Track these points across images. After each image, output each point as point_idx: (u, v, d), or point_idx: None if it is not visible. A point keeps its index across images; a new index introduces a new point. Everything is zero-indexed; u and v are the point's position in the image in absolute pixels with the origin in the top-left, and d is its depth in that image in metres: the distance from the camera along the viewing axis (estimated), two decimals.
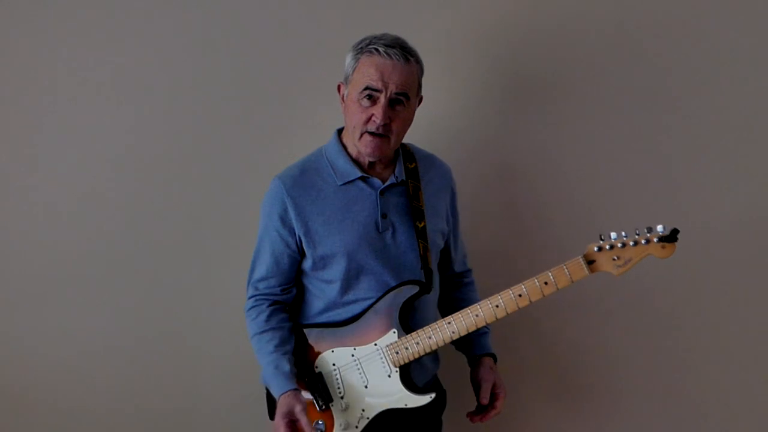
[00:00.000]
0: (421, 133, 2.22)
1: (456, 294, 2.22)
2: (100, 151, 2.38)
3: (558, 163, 2.45)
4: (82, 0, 2.32)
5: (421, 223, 2.05)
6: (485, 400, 2.04)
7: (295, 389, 1.95)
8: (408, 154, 2.12)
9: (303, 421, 1.90)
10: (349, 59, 2.00)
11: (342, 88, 2.04)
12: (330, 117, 2.18)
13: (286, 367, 1.97)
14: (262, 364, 2.02)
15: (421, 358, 2.01)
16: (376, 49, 1.94)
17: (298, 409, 1.90)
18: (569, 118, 2.44)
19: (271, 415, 2.05)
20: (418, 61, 2.01)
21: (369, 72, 1.93)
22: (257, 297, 2.09)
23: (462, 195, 2.23)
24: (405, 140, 2.15)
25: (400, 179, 2.06)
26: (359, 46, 1.98)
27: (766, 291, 2.51)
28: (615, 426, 2.56)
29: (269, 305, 2.07)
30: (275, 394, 1.97)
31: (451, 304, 2.18)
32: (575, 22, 2.42)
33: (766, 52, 2.45)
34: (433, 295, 2.10)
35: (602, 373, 2.53)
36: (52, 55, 2.34)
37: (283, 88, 2.38)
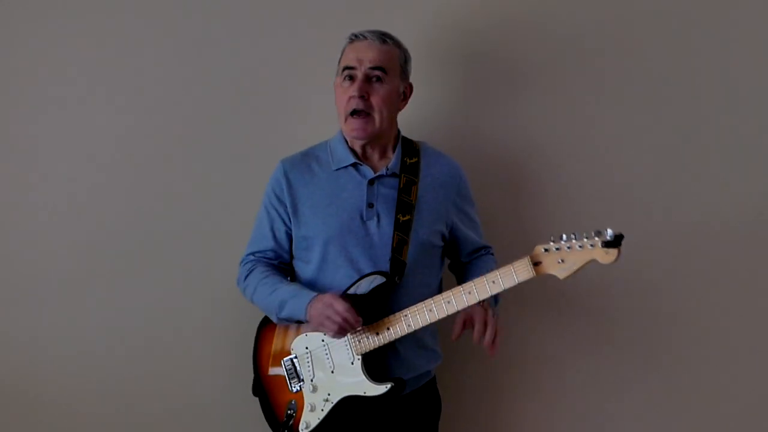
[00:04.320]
0: (420, 128, 2.26)
1: (468, 266, 2.21)
2: (99, 150, 2.42)
3: (559, 159, 2.44)
4: (79, 1, 2.40)
5: (404, 217, 2.07)
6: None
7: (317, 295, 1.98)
8: (412, 149, 2.16)
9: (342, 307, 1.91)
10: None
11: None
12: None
13: (303, 288, 2.04)
14: (275, 301, 2.04)
15: (399, 351, 2.04)
16: (355, 36, 2.08)
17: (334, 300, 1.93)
18: (571, 114, 2.43)
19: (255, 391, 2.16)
20: (399, 47, 2.09)
21: (347, 55, 2.07)
22: (254, 261, 2.18)
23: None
24: (418, 138, 2.20)
25: (392, 172, 2.10)
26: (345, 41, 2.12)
27: (765, 291, 2.45)
28: (614, 424, 2.51)
29: (263, 263, 2.17)
30: (302, 307, 1.97)
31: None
32: (575, 18, 2.39)
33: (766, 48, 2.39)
34: (418, 288, 2.09)
35: (601, 373, 2.49)
36: (50, 55, 2.40)
37: (286, 85, 2.43)
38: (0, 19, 2.39)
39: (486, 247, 2.24)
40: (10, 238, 2.43)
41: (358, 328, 1.97)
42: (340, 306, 1.92)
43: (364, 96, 2.03)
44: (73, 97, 2.42)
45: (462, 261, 2.22)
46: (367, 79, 2.03)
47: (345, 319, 1.91)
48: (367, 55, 2.03)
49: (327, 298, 1.95)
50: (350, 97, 2.04)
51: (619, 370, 2.47)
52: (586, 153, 2.42)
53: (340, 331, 1.94)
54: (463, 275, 2.20)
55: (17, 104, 2.41)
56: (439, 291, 2.17)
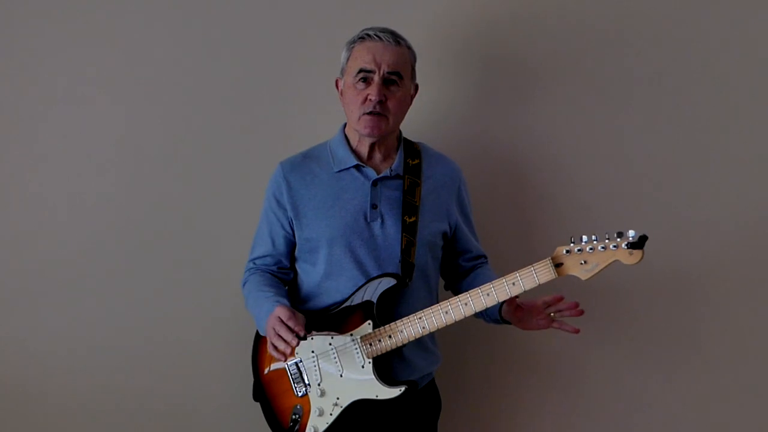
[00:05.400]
0: (427, 130, 2.26)
1: (467, 278, 2.20)
2: (100, 151, 2.40)
3: (562, 161, 2.44)
4: (81, 1, 2.38)
5: (410, 218, 2.06)
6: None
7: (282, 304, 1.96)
8: (413, 151, 2.14)
9: (292, 321, 1.90)
10: (343, 53, 2.09)
11: (339, 83, 2.11)
12: (336, 117, 2.21)
13: (276, 297, 2.01)
14: (254, 307, 2.05)
15: (404, 353, 2.03)
16: (367, 35, 2.03)
17: (284, 313, 1.91)
18: (575, 117, 2.42)
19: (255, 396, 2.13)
20: (410, 48, 2.07)
21: (362, 56, 2.01)
22: (252, 269, 2.17)
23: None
24: (416, 139, 2.19)
25: (396, 173, 2.09)
26: (351, 39, 2.07)
27: (765, 291, 2.46)
28: (615, 423, 2.52)
29: (259, 273, 2.14)
30: (264, 318, 1.97)
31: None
32: (580, 19, 2.40)
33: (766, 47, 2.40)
34: (422, 290, 2.09)
35: (601, 372, 2.50)
36: (49, 55, 2.37)
37: (285, 86, 2.41)
38: (0, 18, 2.36)
39: (485, 256, 2.23)
40: (11, 238, 2.40)
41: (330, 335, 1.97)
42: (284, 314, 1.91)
43: (382, 100, 2.00)
44: (72, 97, 2.39)
45: (461, 265, 2.20)
46: (384, 82, 2.01)
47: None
48: (384, 58, 2.00)
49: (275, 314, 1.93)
50: (367, 99, 2.00)
51: (620, 370, 2.48)
52: (592, 156, 2.42)
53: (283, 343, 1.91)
54: (464, 281, 2.18)
55: (17, 104, 2.38)
56: (437, 290, 2.18)
